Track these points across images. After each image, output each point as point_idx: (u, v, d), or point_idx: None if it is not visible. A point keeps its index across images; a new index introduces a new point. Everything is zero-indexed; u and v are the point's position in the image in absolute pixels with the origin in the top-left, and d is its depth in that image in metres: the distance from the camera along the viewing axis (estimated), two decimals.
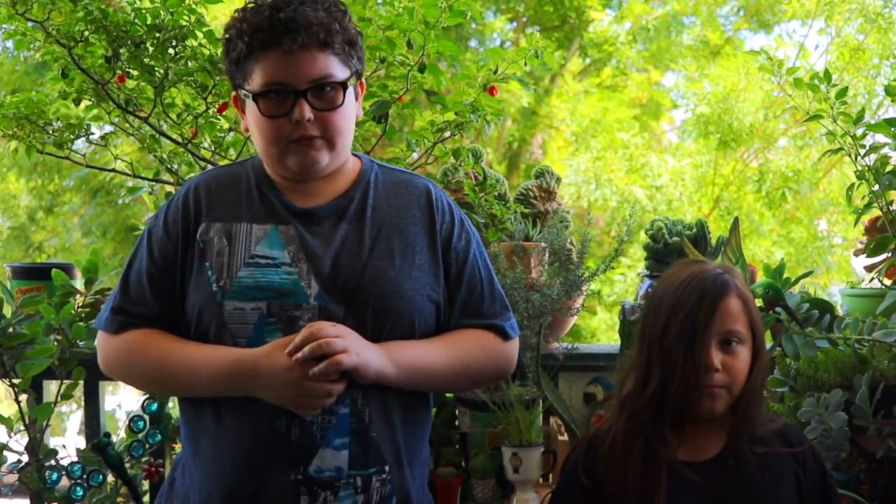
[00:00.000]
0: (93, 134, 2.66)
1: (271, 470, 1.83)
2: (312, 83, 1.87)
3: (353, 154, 2.07)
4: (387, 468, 1.89)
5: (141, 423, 2.73)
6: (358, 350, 1.81)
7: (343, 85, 1.91)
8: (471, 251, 2.05)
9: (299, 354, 1.77)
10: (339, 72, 1.90)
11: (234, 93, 2.00)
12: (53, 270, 2.84)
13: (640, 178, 8.59)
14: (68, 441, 2.94)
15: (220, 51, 2.43)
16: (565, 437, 2.77)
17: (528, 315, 2.63)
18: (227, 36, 1.94)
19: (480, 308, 2.04)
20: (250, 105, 1.92)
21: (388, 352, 1.88)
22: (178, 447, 3.02)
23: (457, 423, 2.81)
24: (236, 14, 1.92)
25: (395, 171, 2.11)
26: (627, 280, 8.24)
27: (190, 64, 2.46)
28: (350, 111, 1.96)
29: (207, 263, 1.91)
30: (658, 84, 9.92)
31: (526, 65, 2.77)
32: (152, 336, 1.94)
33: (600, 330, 8.53)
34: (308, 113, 1.87)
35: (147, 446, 2.73)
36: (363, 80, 2.05)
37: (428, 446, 2.08)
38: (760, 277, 2.98)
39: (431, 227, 2.01)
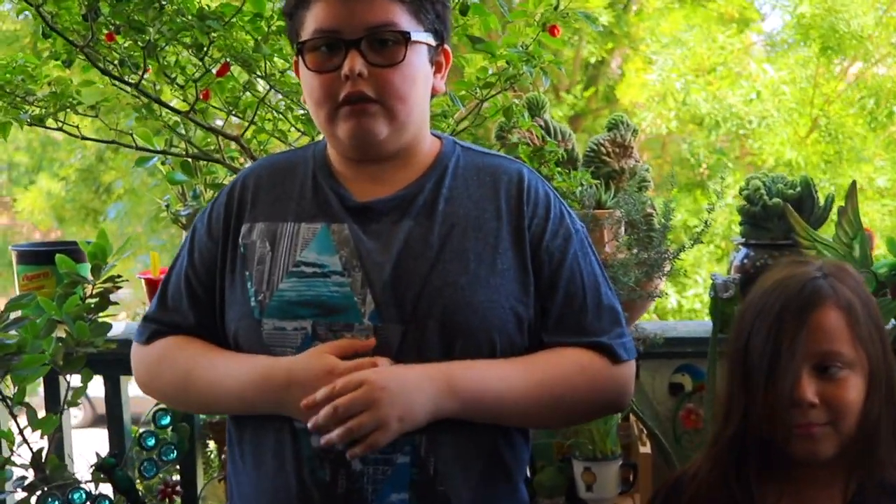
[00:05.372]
0: (80, 104, 2.27)
1: None
2: (368, 31, 1.52)
3: (433, 134, 1.69)
4: None
5: (152, 440, 2.40)
6: (399, 410, 1.45)
7: (407, 37, 1.53)
8: (570, 251, 1.63)
9: (315, 420, 1.45)
10: (406, 23, 1.53)
11: (295, 58, 1.65)
12: (57, 256, 2.48)
13: (730, 82, 7.88)
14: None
15: (210, 2, 2.05)
16: (647, 448, 2.35)
17: None
18: None
19: (582, 322, 1.62)
20: (302, 63, 1.57)
21: (448, 378, 1.50)
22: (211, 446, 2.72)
23: None
24: None
25: (482, 153, 1.71)
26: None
27: (178, 20, 2.05)
28: (418, 75, 1.58)
29: (248, 272, 1.60)
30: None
31: None
32: (186, 342, 1.66)
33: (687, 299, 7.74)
34: (360, 66, 1.51)
35: (160, 464, 2.39)
36: (447, 47, 1.65)
37: (524, 491, 1.70)
38: (879, 247, 2.50)
39: (519, 222, 1.61)
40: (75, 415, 2.27)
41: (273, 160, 1.76)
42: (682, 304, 7.19)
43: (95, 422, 8.38)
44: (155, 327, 1.70)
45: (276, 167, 1.71)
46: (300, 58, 1.59)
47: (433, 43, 1.61)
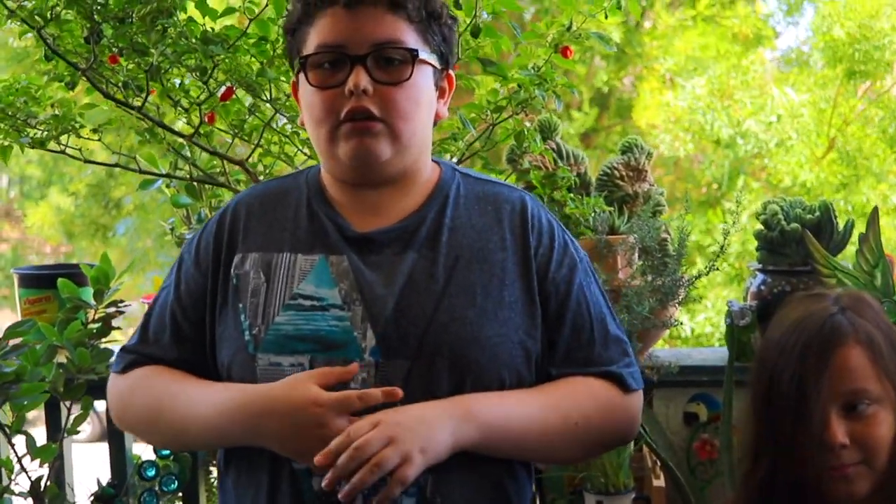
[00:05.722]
0: (82, 127, 2.23)
1: None
2: (374, 47, 1.47)
3: (432, 160, 1.63)
4: None
5: (152, 470, 2.34)
6: (420, 443, 1.38)
7: (414, 55, 1.48)
8: (575, 281, 1.59)
9: (335, 471, 1.35)
10: (412, 42, 1.49)
11: (293, 78, 1.60)
12: (60, 280, 2.43)
13: (755, 109, 7.82)
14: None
15: (214, 25, 2.00)
16: (661, 481, 2.28)
17: None
18: (290, 3, 1.58)
19: (590, 354, 1.58)
20: (303, 79, 1.52)
21: (465, 408, 1.44)
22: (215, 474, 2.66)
23: None
24: None
25: (482, 181, 1.66)
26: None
27: (182, 43, 2.00)
28: (423, 96, 1.53)
29: (241, 305, 1.52)
30: (765, 15, 9.10)
31: (606, 17, 2.26)
32: (162, 370, 1.58)
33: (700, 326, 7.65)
34: (365, 82, 1.46)
35: (161, 495, 2.34)
36: (452, 72, 1.60)
37: None
38: None
39: (525, 253, 1.56)
40: (83, 429, 2.25)
41: (264, 188, 1.69)
42: (694, 328, 7.14)
43: (103, 436, 8.33)
44: (133, 357, 1.63)
45: (267, 195, 1.64)
46: (302, 74, 1.53)
47: (438, 66, 1.57)
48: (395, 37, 1.49)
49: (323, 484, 1.36)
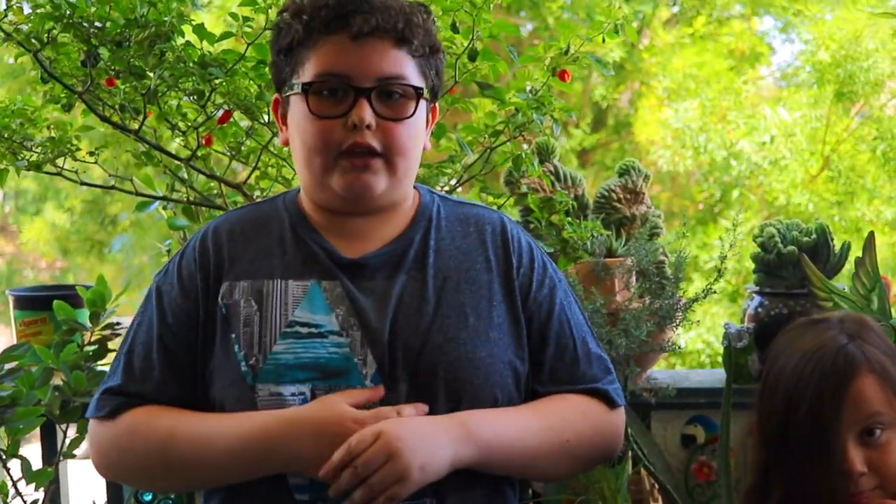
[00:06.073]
0: (79, 150, 2.22)
1: None
2: (380, 82, 1.46)
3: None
4: None
5: (149, 494, 2.33)
6: (421, 459, 1.38)
7: (419, 92, 1.48)
8: (556, 301, 1.61)
9: (338, 486, 1.37)
10: (415, 78, 1.48)
11: (275, 96, 1.58)
12: (55, 303, 2.43)
13: (747, 130, 7.85)
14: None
15: (212, 49, 2.00)
16: (659, 503, 2.28)
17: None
18: (280, 19, 1.53)
19: (575, 372, 1.60)
20: (296, 103, 1.49)
21: (464, 426, 1.45)
22: None
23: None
24: None
25: (460, 204, 1.67)
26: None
27: (179, 66, 1.99)
28: (419, 132, 1.54)
29: (233, 335, 1.50)
30: (761, 31, 9.14)
31: (604, 41, 2.26)
32: (161, 409, 1.52)
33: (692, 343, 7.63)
34: (369, 117, 1.45)
35: None
36: (437, 104, 1.61)
37: None
38: None
39: (507, 273, 1.58)
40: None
41: (240, 214, 1.65)
42: (686, 343, 7.16)
43: None
44: (122, 400, 1.54)
45: (246, 221, 1.61)
46: (297, 96, 1.50)
47: (430, 99, 1.57)
48: (399, 72, 1.48)
49: (330, 493, 1.37)
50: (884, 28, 7.33)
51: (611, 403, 1.62)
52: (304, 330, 1.49)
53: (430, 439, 1.41)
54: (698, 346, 7.48)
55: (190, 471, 1.50)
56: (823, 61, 7.47)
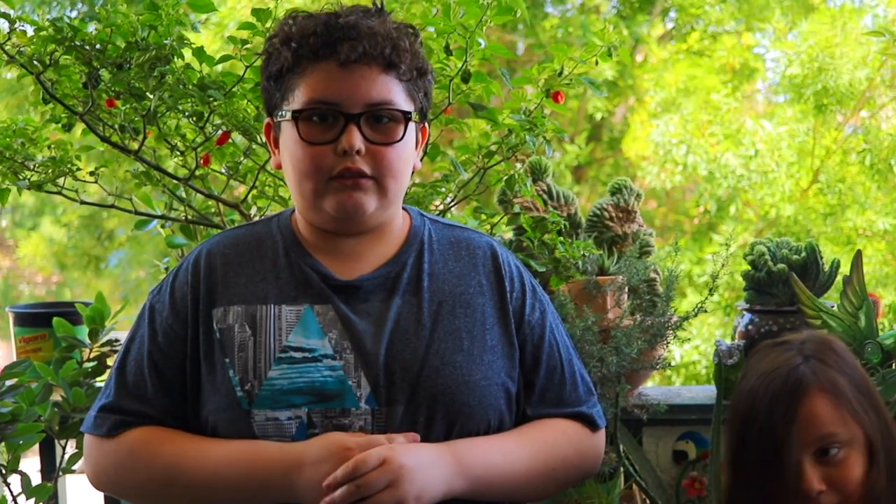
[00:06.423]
0: (79, 170, 2.25)
1: None
2: (369, 108, 1.49)
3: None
4: None
5: None
6: (418, 488, 1.42)
7: (406, 116, 1.51)
8: (546, 325, 1.65)
9: (332, 498, 1.39)
10: (403, 102, 1.51)
11: (267, 120, 1.60)
12: (55, 320, 2.46)
13: (734, 144, 7.91)
14: None
15: (210, 71, 2.04)
16: None
17: (601, 377, 2.17)
18: (269, 45, 1.55)
19: (562, 395, 1.65)
20: (287, 129, 1.52)
21: (457, 457, 1.48)
22: None
23: None
24: (285, 19, 1.53)
25: (450, 227, 1.70)
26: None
27: (178, 88, 2.03)
28: (409, 153, 1.56)
29: (227, 360, 1.52)
30: (753, 47, 9.17)
31: (597, 64, 2.29)
32: (164, 433, 1.55)
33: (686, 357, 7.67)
34: (359, 142, 1.48)
35: None
36: (427, 124, 1.63)
37: None
38: (885, 310, 2.48)
39: (501, 297, 1.61)
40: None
41: (233, 236, 1.66)
42: (682, 355, 7.22)
43: None
44: (119, 417, 1.56)
45: (240, 244, 1.63)
46: (287, 123, 1.53)
47: (419, 121, 1.60)
48: (387, 97, 1.51)
49: (325, 483, 1.40)
50: (852, 39, 7.40)
51: (593, 426, 1.69)
52: (299, 355, 1.51)
53: (428, 471, 1.44)
54: (694, 357, 7.53)
55: (192, 499, 1.54)
56: (797, 75, 7.54)
